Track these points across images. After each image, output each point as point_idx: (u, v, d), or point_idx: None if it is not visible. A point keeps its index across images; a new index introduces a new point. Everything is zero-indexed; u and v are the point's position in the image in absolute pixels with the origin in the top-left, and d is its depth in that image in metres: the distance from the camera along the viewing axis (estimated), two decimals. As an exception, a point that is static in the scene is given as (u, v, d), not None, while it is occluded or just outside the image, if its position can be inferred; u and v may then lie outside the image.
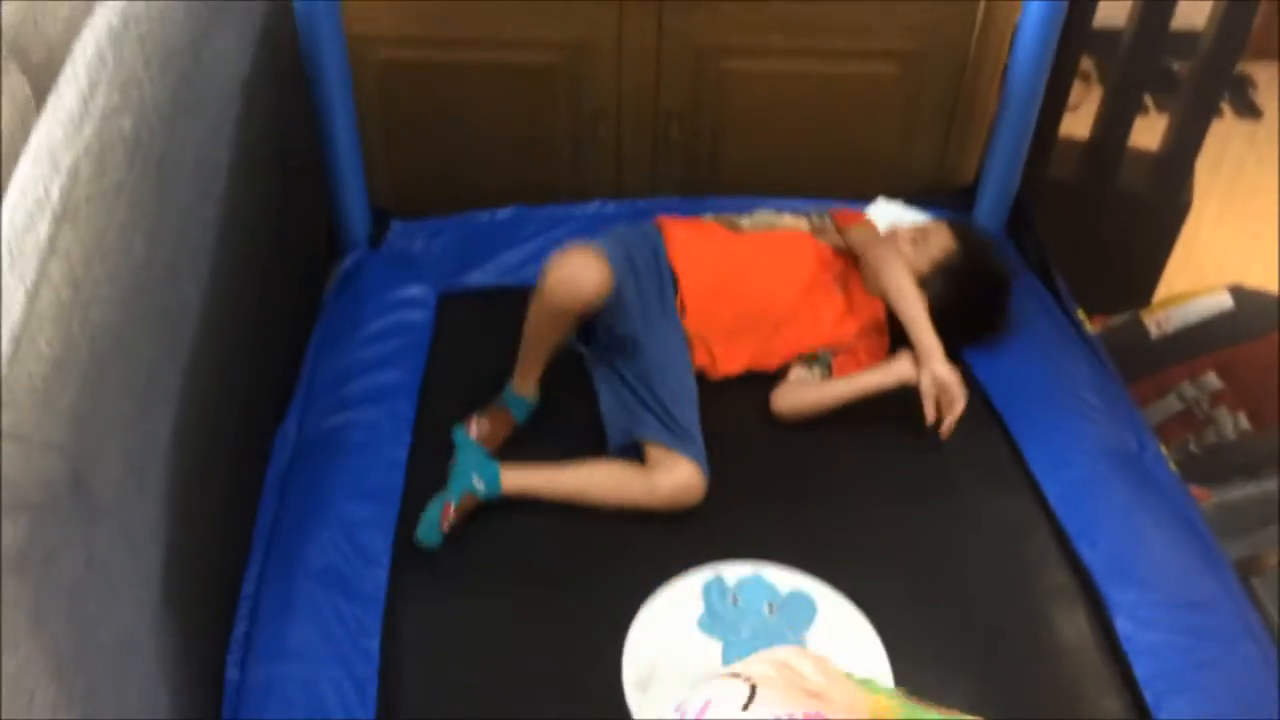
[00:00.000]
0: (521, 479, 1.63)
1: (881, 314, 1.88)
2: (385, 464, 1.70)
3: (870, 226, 2.03)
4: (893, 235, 1.95)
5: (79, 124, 1.12)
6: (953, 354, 1.76)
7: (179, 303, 1.37)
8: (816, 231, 2.00)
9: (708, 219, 1.99)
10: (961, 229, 1.96)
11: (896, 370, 1.74)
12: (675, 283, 1.82)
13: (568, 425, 1.77)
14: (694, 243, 1.89)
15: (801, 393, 1.79)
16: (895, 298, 1.81)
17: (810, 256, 1.91)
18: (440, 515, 1.55)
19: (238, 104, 1.63)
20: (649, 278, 1.80)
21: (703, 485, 1.64)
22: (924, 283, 1.85)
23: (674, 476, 1.63)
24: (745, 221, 1.99)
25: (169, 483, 1.30)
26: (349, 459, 1.70)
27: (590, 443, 1.72)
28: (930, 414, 1.72)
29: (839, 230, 2.00)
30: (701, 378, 1.82)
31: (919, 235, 1.92)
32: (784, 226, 2.00)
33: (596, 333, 1.79)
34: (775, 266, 1.88)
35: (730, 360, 1.85)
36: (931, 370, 1.72)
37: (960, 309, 1.86)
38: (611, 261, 1.68)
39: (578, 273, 1.65)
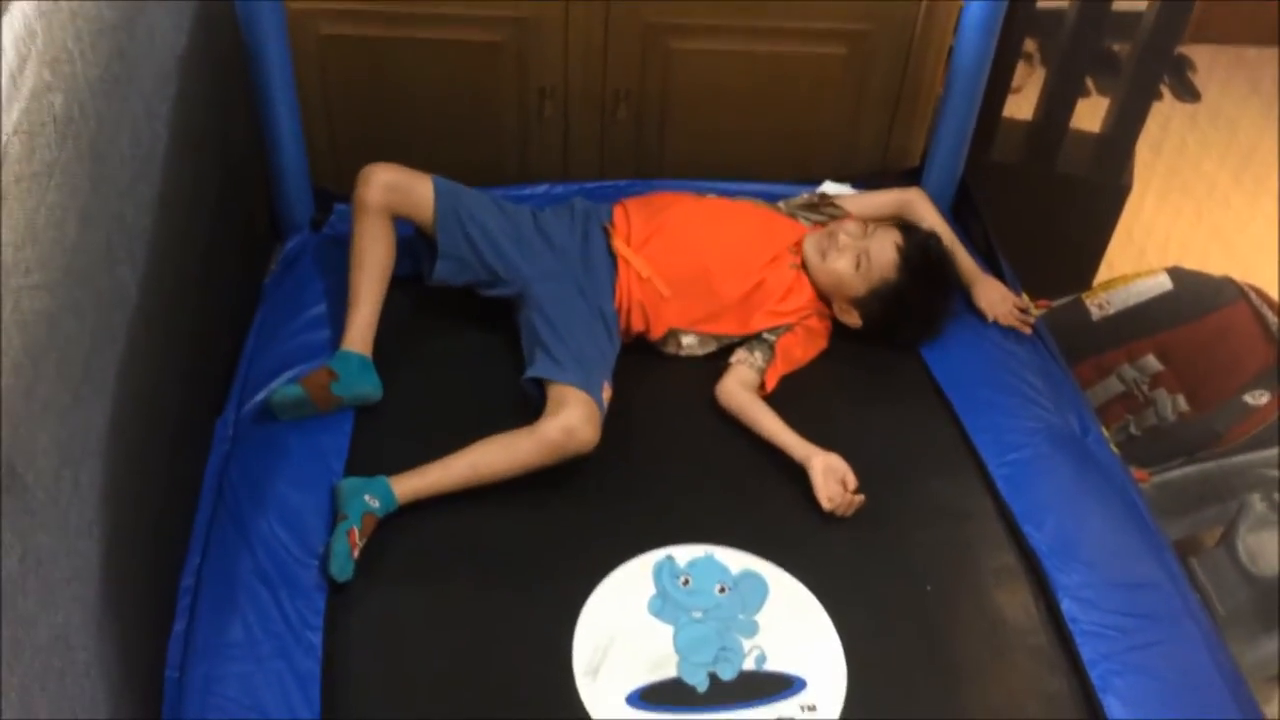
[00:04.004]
0: (413, 483, 1.58)
1: (819, 300, 1.91)
2: (326, 450, 1.66)
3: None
4: (838, 235, 1.90)
5: (7, 103, 1.07)
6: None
7: (114, 288, 1.33)
8: (785, 207, 2.05)
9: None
10: (907, 246, 1.88)
11: (812, 458, 1.65)
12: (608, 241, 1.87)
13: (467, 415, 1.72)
14: (644, 196, 1.96)
15: (739, 401, 1.77)
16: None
17: (762, 224, 1.94)
18: (349, 546, 1.49)
19: (174, 82, 1.58)
20: (561, 227, 1.87)
21: (593, 420, 1.60)
22: (860, 302, 1.88)
23: (559, 420, 1.58)
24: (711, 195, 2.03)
25: (105, 476, 1.26)
26: (288, 447, 1.66)
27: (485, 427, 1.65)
28: (826, 503, 1.62)
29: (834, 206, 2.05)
30: (647, 345, 1.85)
31: (864, 256, 1.86)
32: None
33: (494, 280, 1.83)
34: (725, 224, 1.90)
35: (673, 310, 1.85)
36: (818, 464, 1.64)
37: (895, 325, 1.89)
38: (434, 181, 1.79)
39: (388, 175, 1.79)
